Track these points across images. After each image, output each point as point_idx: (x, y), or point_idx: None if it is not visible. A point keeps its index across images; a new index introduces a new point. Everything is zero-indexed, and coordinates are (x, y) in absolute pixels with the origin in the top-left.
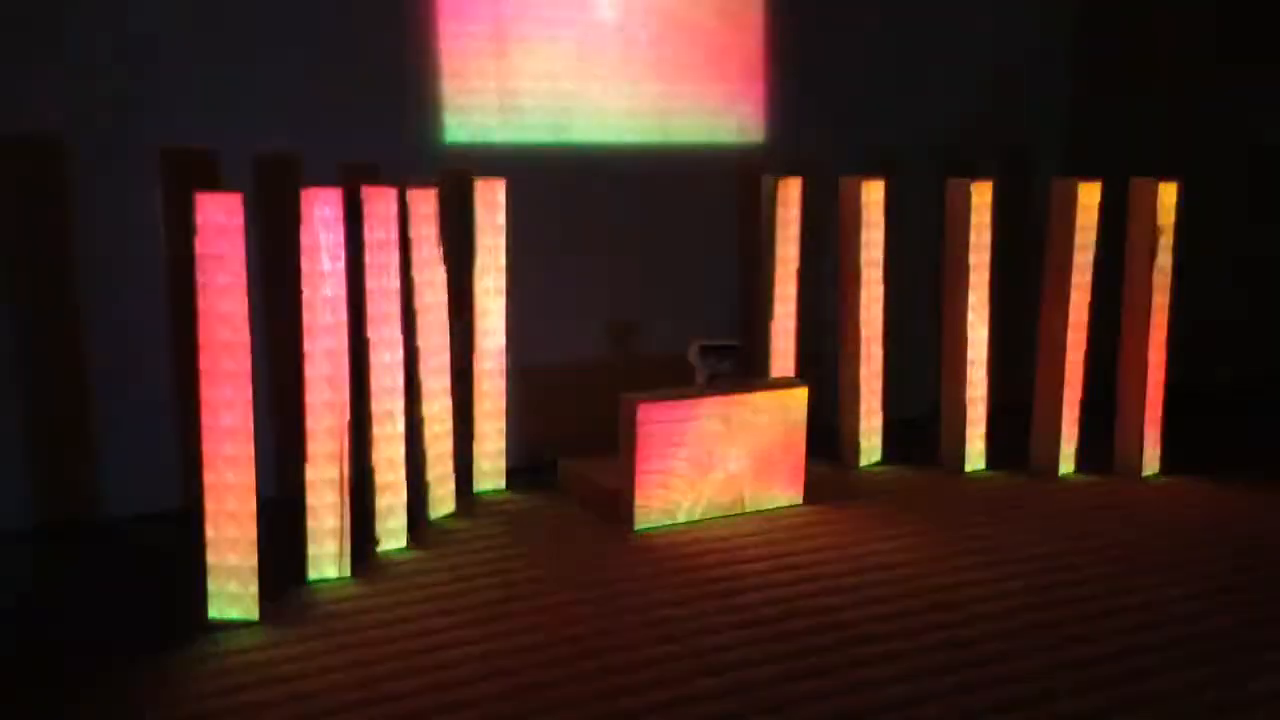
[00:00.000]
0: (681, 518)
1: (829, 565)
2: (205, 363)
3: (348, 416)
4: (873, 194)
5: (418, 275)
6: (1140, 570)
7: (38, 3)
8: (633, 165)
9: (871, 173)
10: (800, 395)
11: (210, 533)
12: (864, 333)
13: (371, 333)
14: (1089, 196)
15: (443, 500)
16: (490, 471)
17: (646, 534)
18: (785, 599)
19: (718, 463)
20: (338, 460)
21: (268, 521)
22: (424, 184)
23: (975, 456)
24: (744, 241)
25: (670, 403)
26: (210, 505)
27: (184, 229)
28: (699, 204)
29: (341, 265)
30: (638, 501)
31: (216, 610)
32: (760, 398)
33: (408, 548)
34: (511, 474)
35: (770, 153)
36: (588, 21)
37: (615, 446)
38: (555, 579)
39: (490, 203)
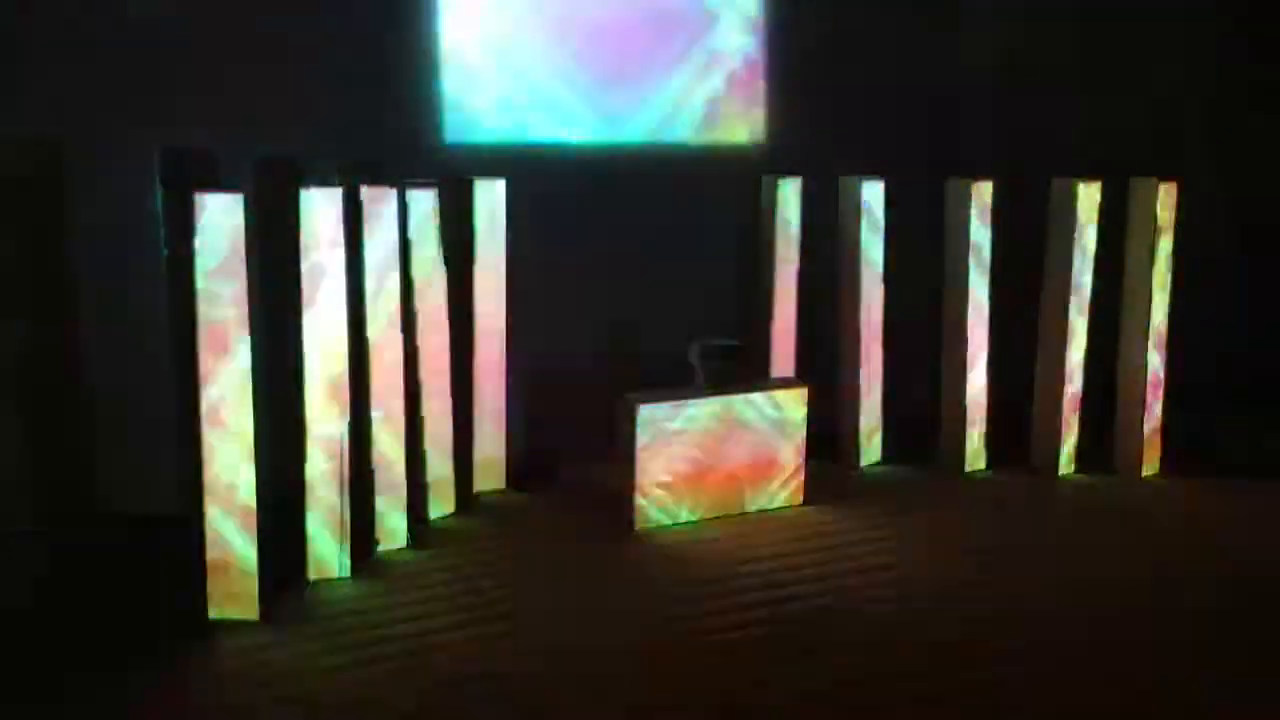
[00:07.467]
0: (682, 518)
1: (829, 565)
2: (205, 363)
3: (348, 416)
4: (874, 194)
5: (418, 275)
6: (1140, 570)
7: (37, 2)
8: (633, 165)
9: (872, 173)
10: (800, 395)
11: (210, 533)
12: (864, 333)
13: (371, 333)
14: (1089, 196)
15: (443, 500)
16: (490, 471)
17: (646, 534)
18: (785, 599)
19: (718, 463)
20: (338, 460)
21: (268, 521)
22: (424, 184)
23: (975, 456)
24: (744, 241)
25: (670, 403)
26: (210, 505)
27: (184, 229)
28: (699, 204)
29: (341, 264)
30: (638, 501)
31: (216, 610)
32: (760, 397)
33: (408, 548)
34: (511, 474)
35: (770, 153)
36: (589, 20)
37: (615, 446)
38: (554, 579)
39: (490, 203)
